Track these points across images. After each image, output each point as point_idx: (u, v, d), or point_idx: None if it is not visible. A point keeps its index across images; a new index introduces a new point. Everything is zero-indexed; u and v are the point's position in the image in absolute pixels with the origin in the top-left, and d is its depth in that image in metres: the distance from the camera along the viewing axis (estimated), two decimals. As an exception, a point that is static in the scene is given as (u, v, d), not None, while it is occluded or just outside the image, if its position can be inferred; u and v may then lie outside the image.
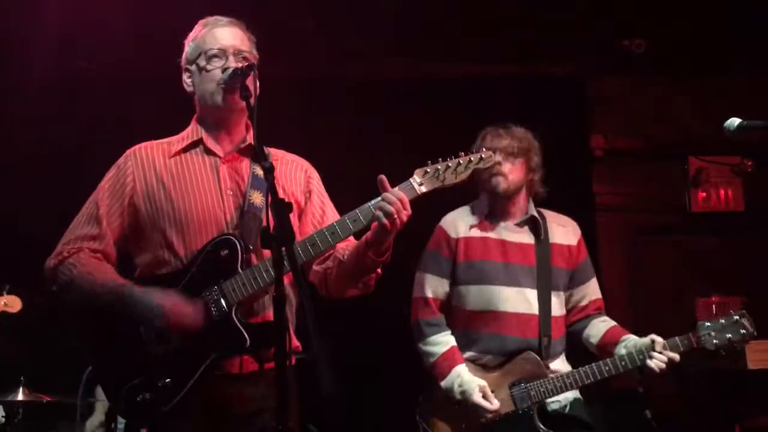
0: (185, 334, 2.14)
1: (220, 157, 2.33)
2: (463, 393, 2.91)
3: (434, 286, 3.08)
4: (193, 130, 2.38)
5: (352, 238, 2.26)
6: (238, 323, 2.14)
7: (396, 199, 2.12)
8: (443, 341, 3.03)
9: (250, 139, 2.35)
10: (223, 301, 2.16)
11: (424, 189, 2.16)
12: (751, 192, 4.68)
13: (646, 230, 4.67)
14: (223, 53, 2.29)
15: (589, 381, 2.89)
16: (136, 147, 2.38)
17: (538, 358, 2.94)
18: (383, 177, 2.16)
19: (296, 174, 2.41)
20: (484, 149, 2.22)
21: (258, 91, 2.18)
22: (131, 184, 2.31)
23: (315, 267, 2.35)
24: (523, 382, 2.93)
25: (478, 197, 3.12)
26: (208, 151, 2.34)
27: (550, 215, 3.11)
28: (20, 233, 3.93)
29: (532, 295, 3.01)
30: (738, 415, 3.74)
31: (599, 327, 3.05)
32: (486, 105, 4.35)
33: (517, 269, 3.02)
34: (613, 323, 3.06)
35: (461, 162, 2.17)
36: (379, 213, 2.12)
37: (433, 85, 4.47)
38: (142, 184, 2.30)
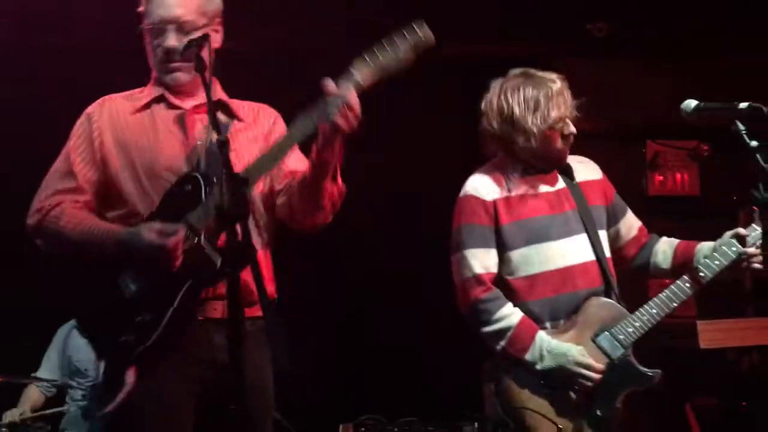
0: (175, 258, 2.11)
1: (186, 110, 2.31)
2: (556, 358, 2.59)
3: (482, 260, 2.71)
4: (154, 87, 2.35)
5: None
6: (207, 247, 2.12)
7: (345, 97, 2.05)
8: (512, 312, 2.66)
9: (216, 94, 2.31)
10: (191, 231, 2.13)
11: (368, 80, 2.09)
12: (707, 176, 4.76)
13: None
14: (161, 28, 2.24)
15: (680, 300, 2.69)
16: (101, 100, 2.34)
17: (609, 300, 2.71)
18: (327, 79, 2.10)
19: (261, 117, 2.39)
20: (418, 22, 2.10)
21: (213, 54, 2.14)
22: (99, 138, 2.28)
23: (279, 201, 2.32)
24: (606, 330, 2.67)
25: (500, 155, 2.83)
26: (172, 106, 2.31)
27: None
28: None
29: (585, 240, 2.77)
30: (689, 394, 3.82)
31: (665, 250, 2.88)
32: (447, 84, 4.36)
33: (564, 218, 2.77)
34: (676, 240, 2.90)
35: (399, 44, 2.08)
36: (332, 110, 2.05)
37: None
38: (109, 136, 2.28)
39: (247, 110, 2.37)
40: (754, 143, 2.30)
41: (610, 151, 4.76)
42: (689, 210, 4.71)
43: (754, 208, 2.66)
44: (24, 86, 4.12)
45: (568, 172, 2.87)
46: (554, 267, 2.72)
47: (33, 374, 4.03)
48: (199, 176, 2.18)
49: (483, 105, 2.83)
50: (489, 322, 2.68)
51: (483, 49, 4.48)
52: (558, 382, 2.63)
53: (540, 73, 2.78)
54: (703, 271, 2.73)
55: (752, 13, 4.34)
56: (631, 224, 2.96)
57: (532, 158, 2.77)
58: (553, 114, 2.70)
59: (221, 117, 2.27)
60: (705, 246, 2.82)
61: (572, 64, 4.62)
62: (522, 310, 2.70)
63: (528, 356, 2.63)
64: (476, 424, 3.81)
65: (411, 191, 4.55)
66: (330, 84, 2.08)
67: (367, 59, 2.09)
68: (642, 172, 4.76)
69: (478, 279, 2.71)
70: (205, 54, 2.12)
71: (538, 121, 2.70)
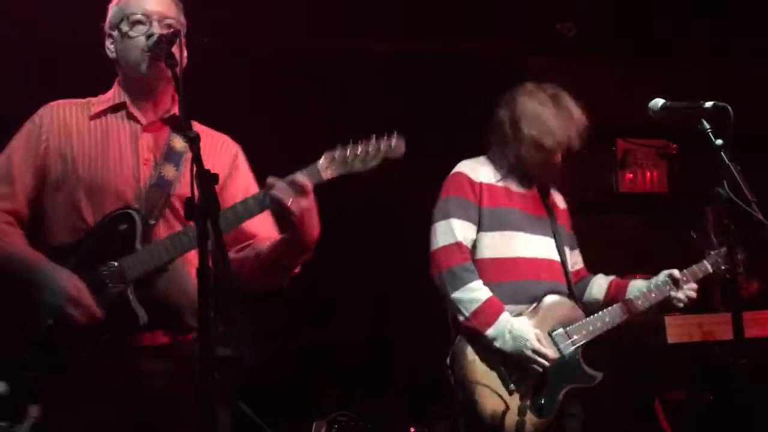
0: (78, 323, 2.06)
1: (141, 125, 2.26)
2: (515, 340, 2.72)
3: (464, 231, 2.86)
4: (116, 94, 2.30)
5: (275, 232, 2.19)
6: (132, 301, 2.07)
7: (287, 187, 2.03)
8: (484, 288, 2.81)
9: (175, 109, 2.28)
10: (119, 279, 2.08)
11: (329, 174, 2.06)
12: (674, 174, 4.83)
13: (575, 210, 4.77)
14: (147, 19, 2.22)
15: (625, 318, 2.88)
16: (53, 104, 2.29)
17: (570, 301, 2.88)
18: (271, 179, 2.08)
19: (222, 150, 2.35)
20: (396, 135, 2.09)
21: (186, 60, 2.09)
22: (45, 143, 2.22)
23: (232, 254, 2.26)
24: (562, 327, 2.84)
25: (494, 150, 3.02)
26: (130, 116, 2.27)
27: None
28: None
29: (552, 243, 2.97)
30: (658, 388, 3.88)
31: (600, 283, 3.05)
32: (412, 83, 4.37)
33: (537, 219, 2.98)
34: (612, 276, 3.06)
35: (370, 150, 2.07)
36: (269, 199, 2.04)
37: (365, 62, 4.44)
38: (56, 143, 2.22)
39: (206, 139, 2.24)
40: (719, 141, 2.34)
41: (580, 149, 4.83)
42: (658, 207, 4.79)
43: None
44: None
45: (542, 188, 3.07)
46: (522, 255, 2.90)
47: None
48: (136, 215, 2.11)
49: (506, 98, 3.04)
50: (462, 289, 2.80)
51: (452, 46, 4.50)
52: (512, 361, 2.77)
53: (568, 104, 3.05)
54: (641, 299, 2.92)
55: (723, 15, 4.41)
56: (577, 258, 3.14)
57: (515, 164, 2.97)
58: (548, 142, 2.91)
59: (177, 144, 2.22)
60: (639, 282, 2.98)
61: (542, 63, 4.68)
62: (492, 288, 2.83)
63: (490, 331, 2.76)
64: (448, 421, 3.82)
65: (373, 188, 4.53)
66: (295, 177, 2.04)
67: (337, 158, 2.06)
68: (612, 170, 4.82)
69: (459, 245, 2.84)
70: (176, 50, 2.06)
71: (533, 137, 2.92)
